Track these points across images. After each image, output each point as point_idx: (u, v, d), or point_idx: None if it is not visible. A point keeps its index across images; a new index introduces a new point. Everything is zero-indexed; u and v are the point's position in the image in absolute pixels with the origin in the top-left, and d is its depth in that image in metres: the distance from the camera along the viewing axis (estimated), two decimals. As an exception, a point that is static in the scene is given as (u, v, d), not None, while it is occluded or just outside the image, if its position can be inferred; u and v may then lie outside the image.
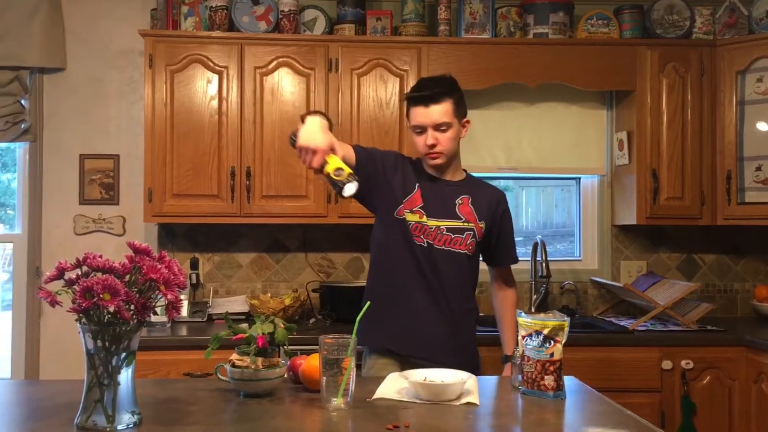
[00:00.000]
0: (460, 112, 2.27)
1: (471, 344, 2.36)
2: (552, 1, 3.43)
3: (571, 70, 3.42)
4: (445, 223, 2.26)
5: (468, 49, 3.39)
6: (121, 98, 3.65)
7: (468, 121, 2.33)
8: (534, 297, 3.60)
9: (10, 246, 3.68)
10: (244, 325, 1.82)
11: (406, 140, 3.31)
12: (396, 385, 1.77)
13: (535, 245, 3.56)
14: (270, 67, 3.30)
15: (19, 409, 1.73)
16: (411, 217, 2.26)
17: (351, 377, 1.60)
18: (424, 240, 2.25)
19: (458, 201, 2.30)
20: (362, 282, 3.55)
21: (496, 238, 2.38)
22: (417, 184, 2.29)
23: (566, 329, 1.75)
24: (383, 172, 2.28)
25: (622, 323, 3.35)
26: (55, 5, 3.58)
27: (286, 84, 3.31)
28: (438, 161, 2.26)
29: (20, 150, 3.67)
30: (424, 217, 2.25)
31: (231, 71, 3.29)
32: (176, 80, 3.28)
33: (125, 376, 1.44)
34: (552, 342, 1.72)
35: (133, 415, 1.45)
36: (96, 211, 3.64)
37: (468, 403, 1.65)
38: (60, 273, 1.41)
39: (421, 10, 3.45)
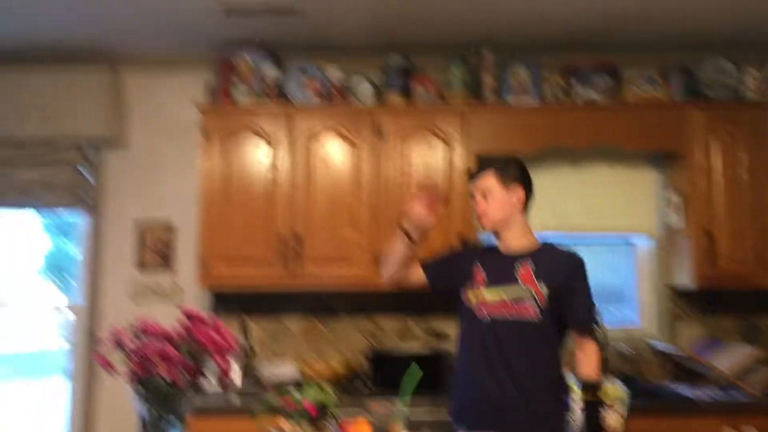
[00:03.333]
0: (504, 179, 2.42)
1: (550, 410, 2.29)
2: (596, 64, 3.47)
3: (619, 133, 3.41)
4: (504, 291, 2.34)
5: (514, 114, 3.42)
6: (177, 168, 3.78)
7: (520, 188, 2.42)
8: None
9: (69, 312, 3.78)
10: (293, 391, 1.81)
11: (455, 205, 3.33)
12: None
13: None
14: (319, 135, 3.39)
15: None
16: (473, 297, 2.40)
17: (401, 446, 1.57)
18: (487, 315, 2.35)
19: (517, 266, 2.37)
20: (412, 348, 3.53)
21: (565, 301, 2.34)
22: (476, 262, 2.45)
23: (626, 400, 1.70)
24: (453, 269, 2.51)
25: (682, 391, 3.22)
26: (116, 80, 3.77)
27: (335, 151, 3.39)
28: (483, 224, 2.45)
29: (81, 220, 3.81)
30: (485, 288, 2.38)
31: (282, 140, 3.39)
32: (229, 150, 3.39)
33: (177, 442, 1.45)
34: (610, 411, 1.67)
35: (183, 483, 1.45)
36: (152, 278, 3.73)
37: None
38: (116, 339, 1.44)
39: (466, 77, 3.51)
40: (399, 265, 2.49)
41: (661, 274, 3.70)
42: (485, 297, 2.37)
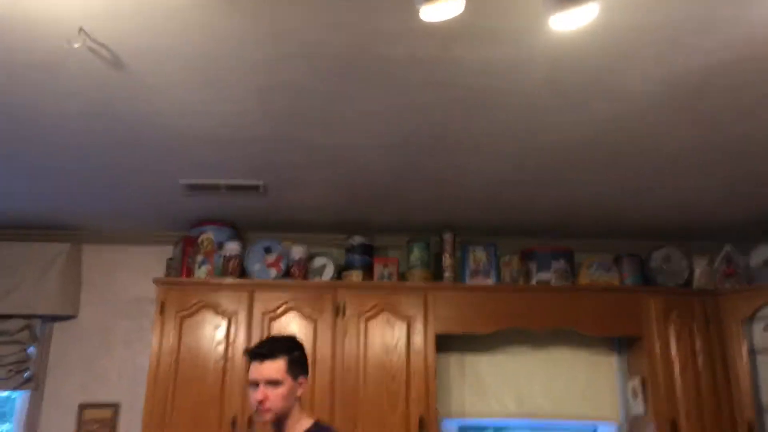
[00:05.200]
0: (294, 370, 2.31)
1: None
2: (553, 249, 3.59)
3: (577, 316, 3.44)
4: None
5: (472, 295, 3.46)
6: (128, 346, 3.65)
7: (305, 381, 2.34)
8: None
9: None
10: None
11: (414, 386, 3.25)
12: None
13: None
14: (278, 312, 3.35)
15: None
16: None
17: None
18: None
19: None
20: None
21: None
22: None
23: None
24: None
25: None
26: (75, 256, 3.74)
27: (293, 328, 3.33)
28: (266, 417, 2.28)
29: (20, 399, 3.59)
30: None
31: (240, 316, 3.33)
32: (185, 326, 3.31)
33: None
34: None
35: None
36: (88, 464, 3.45)
37: None
38: None
39: (427, 258, 3.58)
40: None
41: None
42: None
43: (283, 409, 2.28)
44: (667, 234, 3.72)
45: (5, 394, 3.67)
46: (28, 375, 3.53)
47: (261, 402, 2.25)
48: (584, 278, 3.58)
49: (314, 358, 3.28)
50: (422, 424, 3.19)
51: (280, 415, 2.28)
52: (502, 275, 3.58)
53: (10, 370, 3.51)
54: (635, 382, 3.48)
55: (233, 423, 3.16)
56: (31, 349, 3.58)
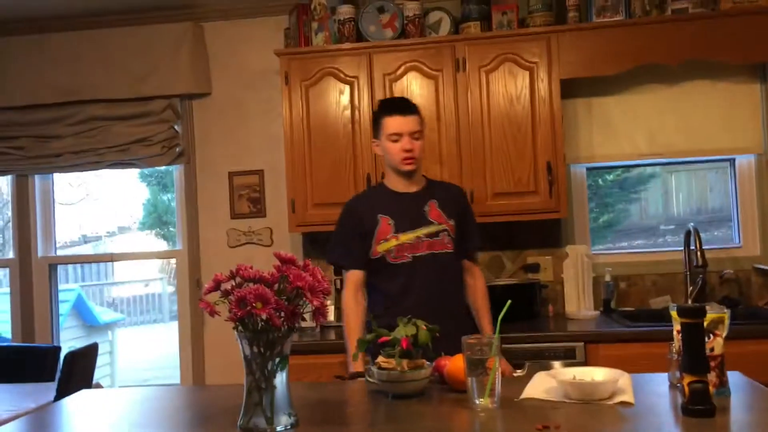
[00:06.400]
0: (423, 123, 2.57)
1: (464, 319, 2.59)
2: (690, -28, 3.24)
3: (717, 45, 3.19)
4: (420, 231, 2.53)
5: (600, 34, 3.26)
6: (262, 116, 3.84)
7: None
8: (690, 288, 3.39)
9: (173, 261, 3.98)
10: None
11: (540, 134, 3.25)
12: (544, 384, 1.73)
13: (688, 233, 3.35)
14: (398, 72, 3.35)
15: (187, 413, 1.87)
16: (386, 246, 2.54)
17: (497, 377, 1.59)
18: (408, 255, 2.52)
19: (426, 208, 2.56)
20: (503, 281, 3.51)
21: (463, 230, 2.61)
22: (378, 216, 2.56)
23: (726, 321, 1.64)
24: (359, 242, 2.57)
25: (792, 313, 3.08)
26: (198, 34, 3.84)
27: (415, 87, 3.34)
28: (412, 166, 2.52)
29: (176, 172, 3.96)
30: (399, 237, 2.53)
31: (361, 80, 3.37)
32: (311, 94, 3.41)
33: (280, 379, 1.51)
34: (711, 335, 1.62)
35: (290, 417, 1.52)
36: (246, 225, 3.85)
37: (622, 402, 1.58)
38: (216, 284, 1.51)
39: (548, -1, 3.36)
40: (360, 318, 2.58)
41: (766, 193, 3.50)
42: (401, 240, 2.52)
43: (420, 161, 2.58)
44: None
45: (163, 168, 4.07)
46: (179, 150, 3.85)
47: (409, 150, 2.50)
48: (726, 2, 3.24)
49: (438, 114, 3.32)
50: (550, 169, 3.24)
51: (419, 166, 2.58)
52: (632, 8, 3.30)
53: (164, 147, 3.84)
54: (780, 109, 3.29)
55: (368, 181, 3.35)
56: (177, 127, 3.86)
